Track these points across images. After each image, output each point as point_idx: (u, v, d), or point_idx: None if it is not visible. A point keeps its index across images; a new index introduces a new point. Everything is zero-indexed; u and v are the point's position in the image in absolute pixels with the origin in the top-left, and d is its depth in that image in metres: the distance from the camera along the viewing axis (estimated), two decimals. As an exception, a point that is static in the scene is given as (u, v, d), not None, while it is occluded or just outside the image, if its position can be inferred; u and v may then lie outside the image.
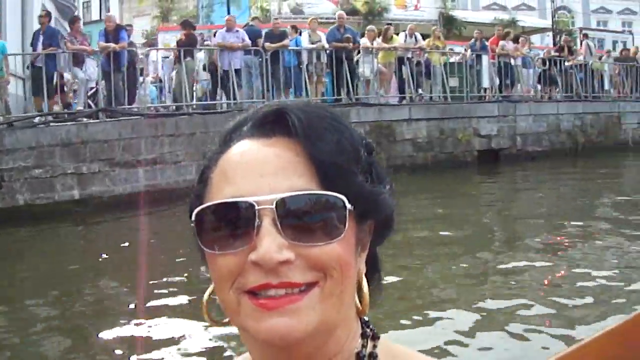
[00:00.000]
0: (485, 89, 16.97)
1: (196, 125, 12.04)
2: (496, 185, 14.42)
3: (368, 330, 0.77)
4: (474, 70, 16.60)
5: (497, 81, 16.88)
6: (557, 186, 13.56)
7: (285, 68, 13.98)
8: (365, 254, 0.76)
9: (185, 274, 6.73)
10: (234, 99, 13.46)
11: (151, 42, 19.28)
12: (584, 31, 31.53)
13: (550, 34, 36.32)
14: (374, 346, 0.75)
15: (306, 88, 14.25)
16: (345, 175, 0.69)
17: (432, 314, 5.24)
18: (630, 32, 45.35)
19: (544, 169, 14.69)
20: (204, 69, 14.61)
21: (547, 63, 18.54)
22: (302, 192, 0.67)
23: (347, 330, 0.74)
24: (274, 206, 0.66)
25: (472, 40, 17.16)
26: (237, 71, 13.61)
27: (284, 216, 0.66)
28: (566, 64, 19.17)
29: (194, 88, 14.31)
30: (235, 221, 0.68)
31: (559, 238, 8.29)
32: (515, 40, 18.07)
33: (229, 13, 22.42)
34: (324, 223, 0.68)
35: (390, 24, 17.60)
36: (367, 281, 0.76)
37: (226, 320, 0.74)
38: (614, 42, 40.87)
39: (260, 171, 0.69)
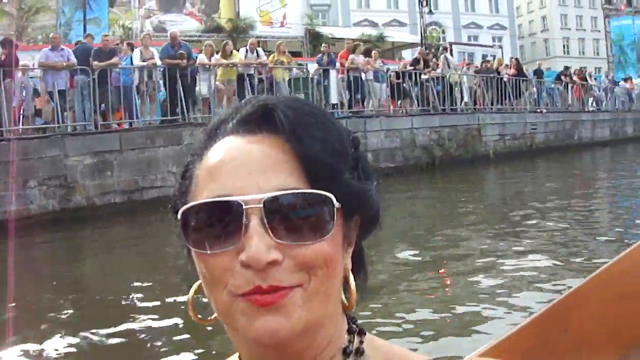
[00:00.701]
0: (333, 105, 16.30)
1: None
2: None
3: (354, 326, 0.75)
4: (321, 86, 16.04)
5: (347, 96, 16.40)
6: (412, 202, 13.31)
7: (117, 88, 13.05)
8: (352, 250, 0.75)
9: None
10: (61, 122, 12.56)
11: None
12: (451, 45, 32.23)
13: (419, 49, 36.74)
14: (361, 342, 0.74)
15: (136, 108, 13.28)
16: (334, 173, 0.68)
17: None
18: (500, 47, 46.97)
19: (396, 184, 14.26)
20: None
21: (401, 76, 18.22)
22: (291, 190, 0.66)
23: (334, 327, 0.73)
24: (262, 205, 0.65)
25: (320, 54, 16.56)
26: (62, 92, 12.64)
27: (272, 215, 0.65)
28: (422, 77, 19.05)
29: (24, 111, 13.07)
30: (223, 220, 0.66)
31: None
32: (367, 53, 17.64)
33: (85, 32, 21.13)
34: (312, 222, 0.66)
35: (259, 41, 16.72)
36: (353, 276, 0.74)
37: (211, 317, 0.74)
38: (484, 56, 41.99)
39: (247, 169, 0.67)
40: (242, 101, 0.75)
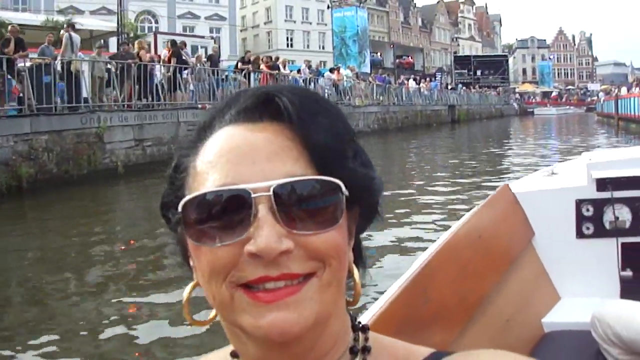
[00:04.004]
0: None
1: None
2: None
3: (357, 322, 0.74)
4: None
5: None
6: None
7: None
8: (352, 242, 0.72)
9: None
10: None
11: None
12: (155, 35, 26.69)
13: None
14: (366, 339, 0.72)
15: None
16: (340, 160, 0.66)
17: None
18: (212, 37, 42.12)
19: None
20: None
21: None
22: (300, 177, 0.63)
23: (340, 323, 0.70)
24: (271, 193, 0.61)
25: None
26: None
27: (281, 204, 0.62)
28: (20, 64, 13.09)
29: None
30: (229, 211, 0.62)
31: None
32: None
33: None
34: (322, 210, 0.63)
35: None
36: None
37: (209, 318, 0.72)
38: (194, 48, 36.96)
39: (252, 157, 0.64)
40: (237, 92, 0.71)
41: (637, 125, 27.49)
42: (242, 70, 20.59)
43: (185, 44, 19.26)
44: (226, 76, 20.18)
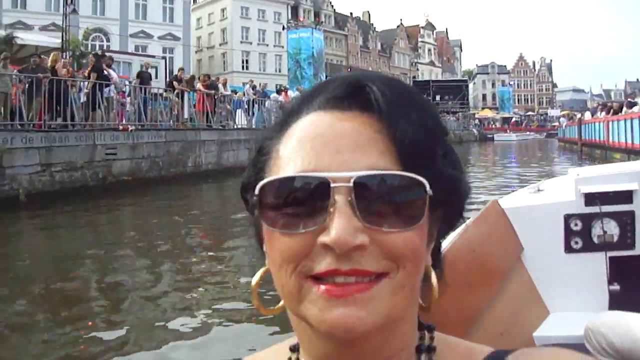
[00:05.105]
0: None
1: None
2: None
3: (423, 322, 0.72)
4: None
5: None
6: None
7: None
8: (432, 245, 0.70)
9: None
10: None
11: None
12: (102, 53, 25.05)
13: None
14: (431, 338, 0.70)
15: None
16: (428, 157, 0.63)
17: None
18: (164, 58, 40.74)
19: None
20: None
21: None
22: (383, 171, 0.60)
23: (411, 327, 0.69)
24: (351, 184, 0.59)
25: None
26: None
27: (361, 197, 0.59)
28: None
29: None
30: (306, 198, 0.60)
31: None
32: None
33: None
34: (403, 208, 0.61)
35: None
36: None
37: (277, 307, 0.71)
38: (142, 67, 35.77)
39: (336, 146, 0.61)
40: (328, 78, 0.70)
41: (602, 150, 26.88)
42: (175, 89, 19.29)
43: (112, 60, 17.96)
44: (155, 94, 18.83)
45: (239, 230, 10.63)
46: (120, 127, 15.63)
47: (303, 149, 0.62)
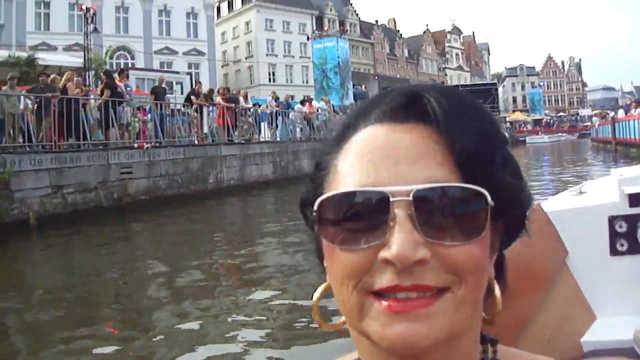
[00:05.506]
0: None
1: None
2: None
3: (486, 335, 0.70)
4: None
5: None
6: None
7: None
8: (495, 257, 0.69)
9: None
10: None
11: None
12: (126, 70, 24.88)
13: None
14: (495, 352, 0.69)
15: None
16: (488, 167, 0.62)
17: None
18: (189, 74, 40.47)
19: None
20: None
21: None
22: (443, 184, 0.60)
23: (474, 342, 0.67)
24: (411, 198, 0.59)
25: None
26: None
27: (421, 210, 0.59)
28: None
29: None
30: (366, 213, 0.60)
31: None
32: None
33: None
34: (464, 220, 0.60)
35: None
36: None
37: (338, 323, 0.70)
38: (170, 83, 35.74)
39: (394, 158, 0.61)
40: (384, 90, 0.70)
41: (637, 149, 25.69)
42: (193, 104, 18.66)
43: (127, 76, 17.39)
44: (173, 111, 18.21)
45: (265, 248, 10.01)
46: (136, 145, 15.00)
47: (361, 163, 0.62)
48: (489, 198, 0.60)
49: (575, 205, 2.46)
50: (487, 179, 0.61)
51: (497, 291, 0.67)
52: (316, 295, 0.71)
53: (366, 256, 0.59)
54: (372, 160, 0.61)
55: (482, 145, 0.62)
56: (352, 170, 0.62)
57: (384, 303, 0.58)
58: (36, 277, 8.92)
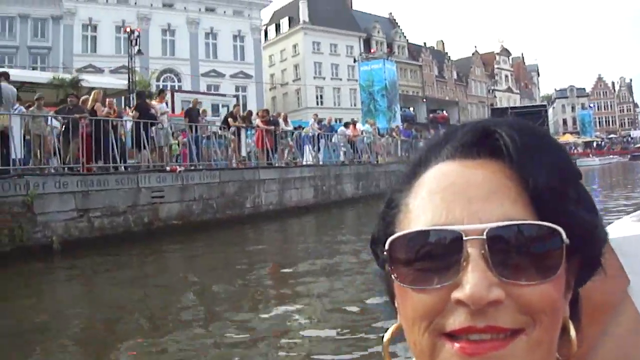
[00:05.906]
0: None
1: None
2: None
3: None
4: None
5: None
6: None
7: None
8: (570, 296, 0.66)
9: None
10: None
11: None
12: (172, 92, 24.82)
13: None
14: None
15: None
16: (562, 203, 0.61)
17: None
18: (234, 96, 40.19)
19: None
20: None
21: None
22: (517, 222, 0.58)
23: None
24: (484, 237, 0.58)
25: None
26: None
27: (495, 249, 0.57)
28: None
29: None
30: (438, 253, 0.59)
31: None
32: None
33: None
34: (539, 259, 0.59)
35: None
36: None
37: None
38: (215, 107, 35.59)
39: (467, 196, 0.60)
40: (455, 125, 0.69)
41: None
42: (231, 126, 17.98)
43: (163, 97, 16.83)
44: (209, 134, 17.54)
45: (307, 277, 9.17)
46: (168, 169, 14.34)
47: (433, 201, 0.61)
48: (564, 235, 0.58)
49: (637, 232, 1.93)
50: (561, 215, 0.59)
51: (572, 332, 0.64)
52: (387, 335, 0.69)
53: (439, 297, 0.57)
54: (445, 198, 0.60)
55: (556, 180, 0.60)
56: (424, 209, 0.61)
57: (457, 345, 0.56)
58: (53, 304, 8.19)
